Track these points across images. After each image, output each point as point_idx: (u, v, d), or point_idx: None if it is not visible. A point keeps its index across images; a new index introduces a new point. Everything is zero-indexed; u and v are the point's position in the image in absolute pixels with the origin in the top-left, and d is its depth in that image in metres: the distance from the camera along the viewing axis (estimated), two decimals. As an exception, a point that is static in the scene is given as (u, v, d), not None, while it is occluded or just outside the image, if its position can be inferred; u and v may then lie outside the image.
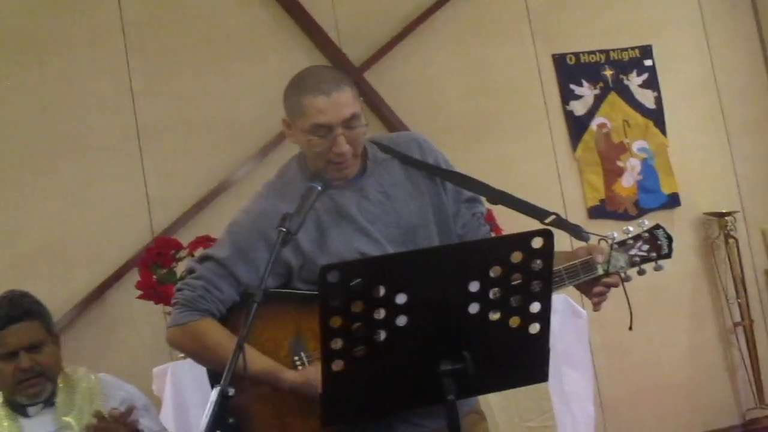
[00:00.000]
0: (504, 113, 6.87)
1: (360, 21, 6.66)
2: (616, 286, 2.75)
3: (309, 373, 2.63)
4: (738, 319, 7.11)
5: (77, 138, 6.05)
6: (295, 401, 2.68)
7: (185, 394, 4.82)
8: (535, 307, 2.34)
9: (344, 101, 2.71)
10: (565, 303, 5.21)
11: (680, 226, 7.09)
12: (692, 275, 7.16)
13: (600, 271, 2.73)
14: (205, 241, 5.14)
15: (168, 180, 6.16)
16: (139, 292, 5.35)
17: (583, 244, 2.79)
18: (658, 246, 2.83)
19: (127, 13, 6.24)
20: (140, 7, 6.28)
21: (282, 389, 2.68)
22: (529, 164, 6.85)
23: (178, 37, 6.34)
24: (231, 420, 2.30)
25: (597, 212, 6.97)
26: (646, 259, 2.82)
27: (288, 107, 2.79)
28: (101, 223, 6.01)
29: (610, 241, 2.76)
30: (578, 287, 2.77)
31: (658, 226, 2.86)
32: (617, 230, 2.83)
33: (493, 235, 5.48)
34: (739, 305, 7.10)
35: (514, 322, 2.33)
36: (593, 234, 2.80)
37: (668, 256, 2.84)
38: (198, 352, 2.80)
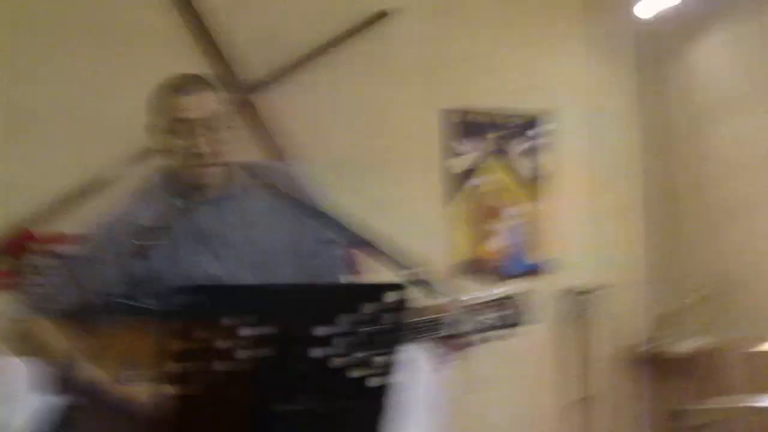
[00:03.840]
0: (386, 159, 6.86)
1: (257, 44, 6.59)
2: (459, 349, 2.75)
3: (138, 393, 2.56)
4: (578, 395, 7.21)
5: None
6: (121, 416, 2.60)
7: (15, 391, 4.67)
8: (380, 360, 2.31)
9: (205, 101, 2.72)
10: (412, 357, 5.19)
11: (539, 295, 7.15)
12: (541, 345, 7.22)
13: (444, 332, 2.71)
14: (62, 238, 5.02)
15: (33, 169, 5.97)
16: (-16, 279, 5.19)
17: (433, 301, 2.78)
18: (505, 316, 2.83)
19: (18, -11, 6.09)
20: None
21: (109, 402, 2.60)
22: (403, 212, 6.81)
23: (69, 21, 6.16)
24: (57, 429, 2.23)
25: (461, 271, 7.00)
26: (491, 327, 2.81)
27: (150, 110, 2.77)
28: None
29: (459, 303, 2.76)
30: (421, 344, 2.76)
31: (509, 297, 2.86)
32: (476, 291, 2.83)
33: (351, 278, 5.48)
34: (582, 382, 7.20)
35: (356, 372, 2.30)
36: (445, 294, 2.78)
37: (514, 327, 2.84)
38: (27, 352, 2.70)
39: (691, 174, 7.38)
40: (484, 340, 2.80)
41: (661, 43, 7.62)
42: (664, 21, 7.41)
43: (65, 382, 2.22)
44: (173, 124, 2.70)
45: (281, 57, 6.63)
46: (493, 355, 6.19)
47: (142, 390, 2.55)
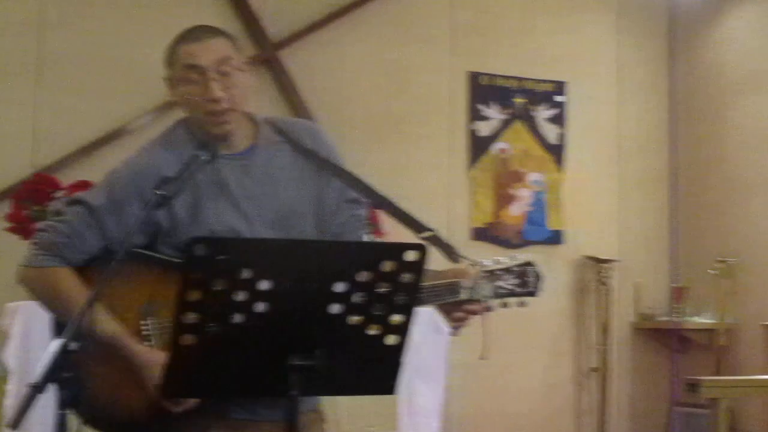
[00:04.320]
0: (409, 120, 6.88)
1: (287, -1, 6.61)
2: (476, 314, 2.73)
3: (155, 356, 2.56)
4: (595, 364, 7.23)
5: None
6: (131, 368, 2.62)
7: (33, 335, 4.71)
8: (396, 318, 2.31)
9: (217, 46, 2.73)
10: (430, 317, 5.20)
11: (558, 263, 7.17)
12: (560, 314, 7.25)
13: (463, 296, 2.70)
14: (85, 186, 5.02)
15: (61, 116, 6.02)
16: (7, 224, 5.22)
17: (453, 265, 2.77)
18: (525, 282, 2.81)
19: (49, -63, 6.09)
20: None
21: (123, 357, 2.61)
22: (424, 174, 6.86)
23: (100, -28, 6.21)
24: (67, 374, 2.23)
25: (481, 234, 7.01)
26: (511, 293, 2.78)
27: (166, 62, 2.80)
28: (-19, 147, 5.86)
29: (479, 268, 2.74)
30: (439, 308, 2.75)
31: (530, 263, 2.83)
32: (497, 256, 2.82)
33: (372, 238, 5.50)
34: (599, 351, 7.22)
35: (373, 329, 2.30)
36: (465, 258, 2.78)
37: (534, 294, 2.82)
38: (47, 299, 2.72)
39: (716, 147, 7.35)
40: (503, 306, 2.78)
41: (694, 14, 7.56)
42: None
43: (81, 330, 2.22)
44: (185, 72, 2.71)
45: (308, 14, 6.63)
46: (511, 322, 6.23)
47: (159, 356, 2.55)
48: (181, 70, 2.71)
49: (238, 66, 2.74)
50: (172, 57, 2.76)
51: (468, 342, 5.90)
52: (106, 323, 2.59)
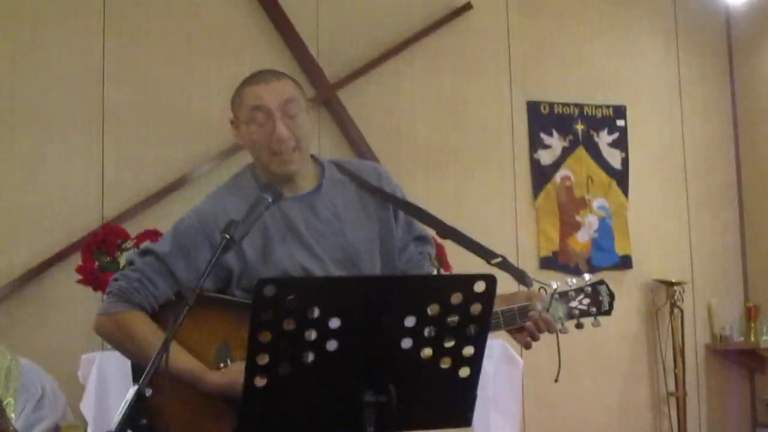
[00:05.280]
0: (470, 151, 6.86)
1: (341, 39, 6.64)
2: (551, 330, 2.72)
3: (231, 373, 2.58)
4: (672, 389, 7.13)
5: (39, 111, 5.97)
6: (212, 407, 2.64)
7: (109, 385, 4.75)
8: (469, 350, 2.30)
9: (282, 88, 2.79)
10: (503, 349, 5.18)
11: (629, 288, 7.10)
12: (633, 339, 7.17)
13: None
14: (153, 235, 5.08)
15: (126, 167, 6.09)
16: (78, 276, 5.28)
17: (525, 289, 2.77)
18: (598, 302, 2.80)
19: (109, -8, 6.20)
20: (122, -11, 6.23)
21: (204, 390, 2.64)
22: (488, 205, 6.84)
23: (158, 25, 6.28)
24: (144, 421, 2.25)
25: (548, 263, 6.97)
26: (585, 313, 2.78)
27: (232, 104, 2.85)
28: (51, 201, 5.94)
29: (551, 290, 2.74)
30: (510, 331, 2.74)
31: (601, 282, 2.83)
32: (567, 279, 2.81)
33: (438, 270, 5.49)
34: (676, 375, 7.11)
35: (445, 362, 2.29)
36: (536, 281, 2.77)
37: (608, 313, 2.81)
38: (123, 344, 2.76)
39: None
40: (578, 327, 2.77)
41: (752, 30, 7.50)
42: (756, 7, 7.30)
43: (158, 374, 2.25)
44: (252, 113, 2.75)
45: (364, 52, 6.66)
46: (584, 349, 6.18)
47: (234, 371, 2.57)
48: (248, 111, 2.76)
49: (302, 107, 2.77)
50: (238, 99, 2.82)
51: (541, 371, 5.86)
52: (183, 360, 2.63)
